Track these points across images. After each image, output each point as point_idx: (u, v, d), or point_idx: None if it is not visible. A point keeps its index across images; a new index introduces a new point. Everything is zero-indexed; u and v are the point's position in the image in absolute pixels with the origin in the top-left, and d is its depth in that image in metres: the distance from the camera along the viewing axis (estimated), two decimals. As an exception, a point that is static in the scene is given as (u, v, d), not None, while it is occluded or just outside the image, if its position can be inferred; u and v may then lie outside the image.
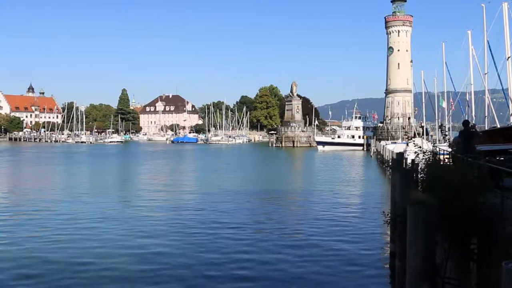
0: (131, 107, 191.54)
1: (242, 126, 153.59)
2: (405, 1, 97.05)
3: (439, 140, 40.35)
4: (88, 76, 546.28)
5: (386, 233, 15.52)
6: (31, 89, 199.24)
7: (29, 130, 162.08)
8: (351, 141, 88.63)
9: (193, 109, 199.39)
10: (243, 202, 24.43)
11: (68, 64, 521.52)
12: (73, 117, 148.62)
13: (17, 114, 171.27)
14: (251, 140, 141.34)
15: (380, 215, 14.34)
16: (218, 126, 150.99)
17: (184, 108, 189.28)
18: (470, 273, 7.57)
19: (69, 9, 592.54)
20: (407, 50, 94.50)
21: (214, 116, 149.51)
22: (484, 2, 31.17)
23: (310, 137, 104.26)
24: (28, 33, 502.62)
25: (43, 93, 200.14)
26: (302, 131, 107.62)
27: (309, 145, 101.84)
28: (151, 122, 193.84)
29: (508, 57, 26.03)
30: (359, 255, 14.22)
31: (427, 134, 60.67)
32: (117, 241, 15.91)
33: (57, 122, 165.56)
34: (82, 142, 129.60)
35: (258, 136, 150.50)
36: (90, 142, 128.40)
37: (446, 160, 12.04)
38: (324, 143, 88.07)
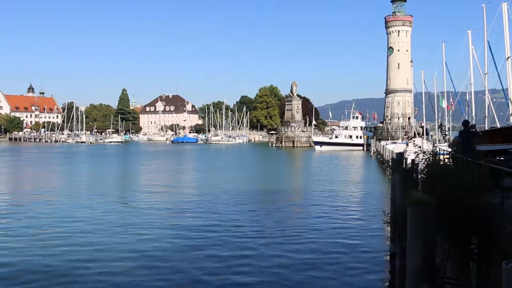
0: (131, 107, 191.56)
1: (242, 126, 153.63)
2: (405, 1, 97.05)
3: (439, 140, 40.35)
4: (88, 76, 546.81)
5: (386, 233, 15.51)
6: (31, 89, 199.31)
7: (29, 130, 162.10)
8: (348, 141, 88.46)
9: (193, 109, 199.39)
10: (243, 203, 24.42)
11: (68, 64, 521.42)
12: (73, 117, 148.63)
13: (17, 114, 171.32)
14: (251, 140, 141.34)
15: (380, 215, 14.36)
16: (218, 126, 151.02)
17: (184, 108, 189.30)
18: (470, 273, 7.57)
19: (69, 9, 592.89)
20: (407, 50, 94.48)
21: (214, 116, 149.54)
22: (484, 2, 31.20)
23: (310, 137, 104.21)
24: (28, 33, 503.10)
25: (43, 93, 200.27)
26: (302, 131, 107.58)
27: (309, 145, 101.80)
28: (151, 122, 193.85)
29: (508, 57, 26.04)
30: (359, 255, 14.22)
31: (427, 134, 60.67)
32: (116, 241, 15.90)
33: (57, 122, 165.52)
34: (82, 142, 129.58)
35: (258, 136, 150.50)
36: (90, 142, 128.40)
37: (446, 160, 12.04)
38: (321, 143, 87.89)
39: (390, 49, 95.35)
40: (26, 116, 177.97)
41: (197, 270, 12.73)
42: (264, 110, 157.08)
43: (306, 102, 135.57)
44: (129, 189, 31.47)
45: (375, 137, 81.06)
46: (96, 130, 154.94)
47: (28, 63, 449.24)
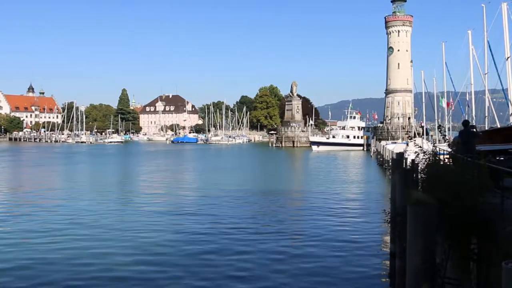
0: (131, 107, 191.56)
1: (242, 126, 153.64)
2: (405, 1, 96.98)
3: (439, 140, 40.33)
4: (88, 76, 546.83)
5: (386, 233, 15.51)
6: (31, 89, 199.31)
7: (29, 130, 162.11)
8: (346, 141, 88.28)
9: (193, 109, 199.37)
10: (242, 203, 24.42)
11: (68, 64, 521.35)
12: (73, 117, 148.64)
13: (17, 114, 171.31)
14: (251, 140, 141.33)
15: (380, 215, 14.36)
16: (218, 126, 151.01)
17: (184, 108, 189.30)
18: (470, 273, 7.57)
19: (69, 9, 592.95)
20: (407, 50, 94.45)
21: (214, 116, 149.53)
22: (484, 2, 31.21)
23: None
24: (28, 33, 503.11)
25: (43, 93, 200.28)
26: (302, 131, 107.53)
27: (309, 145, 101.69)
28: (151, 122, 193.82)
29: (508, 57, 26.03)
30: (359, 255, 14.22)
31: (427, 134, 60.66)
32: (116, 242, 15.90)
33: (57, 122, 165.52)
34: (82, 142, 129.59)
35: (258, 136, 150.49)
36: (90, 142, 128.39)
37: (446, 160, 12.03)
38: (318, 143, 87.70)
39: (390, 49, 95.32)
40: (26, 116, 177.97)
41: (197, 270, 12.72)
42: (264, 110, 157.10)
43: (306, 102, 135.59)
44: (129, 189, 31.46)
45: (375, 137, 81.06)
46: (96, 130, 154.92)
47: (28, 63, 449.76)
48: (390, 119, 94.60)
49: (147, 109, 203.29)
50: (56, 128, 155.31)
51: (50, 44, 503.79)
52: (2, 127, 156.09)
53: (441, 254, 7.62)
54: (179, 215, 20.95)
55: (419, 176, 11.40)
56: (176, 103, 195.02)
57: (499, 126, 26.59)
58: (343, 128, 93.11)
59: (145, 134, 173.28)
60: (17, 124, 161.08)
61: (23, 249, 14.81)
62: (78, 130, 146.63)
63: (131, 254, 14.28)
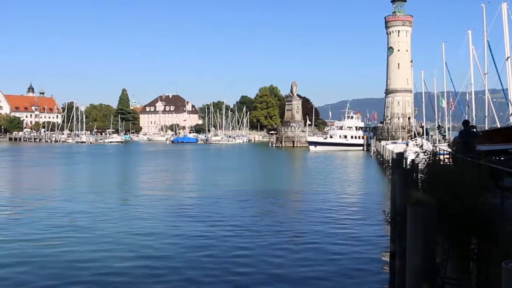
0: (131, 107, 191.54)
1: (242, 126, 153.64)
2: (405, 1, 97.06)
3: (439, 140, 40.33)
4: (88, 76, 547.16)
5: (386, 233, 15.51)
6: (31, 89, 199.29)
7: (29, 130, 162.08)
8: (343, 141, 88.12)
9: (193, 109, 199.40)
10: (242, 203, 24.41)
11: (68, 64, 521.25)
12: (73, 117, 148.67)
13: (17, 114, 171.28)
14: (251, 140, 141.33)
15: (380, 215, 14.35)
16: (218, 126, 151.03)
17: (184, 108, 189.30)
18: (470, 273, 7.57)
19: (69, 9, 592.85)
20: (407, 50, 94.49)
21: (214, 116, 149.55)
22: (484, 2, 31.21)
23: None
24: (28, 33, 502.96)
25: (43, 93, 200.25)
26: (302, 131, 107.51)
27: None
28: (151, 122, 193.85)
29: (508, 57, 26.04)
30: (359, 255, 14.22)
31: (427, 134, 60.68)
32: (116, 242, 15.89)
33: (57, 122, 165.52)
34: (82, 142, 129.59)
35: (258, 136, 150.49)
36: (90, 142, 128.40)
37: (446, 160, 12.03)
38: (316, 143, 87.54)
39: (390, 49, 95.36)
40: (26, 116, 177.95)
41: (196, 270, 12.72)
42: (264, 110, 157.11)
43: (306, 102, 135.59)
44: (129, 189, 31.46)
45: (375, 137, 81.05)
46: (96, 130, 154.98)
47: (28, 63, 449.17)
48: (390, 119, 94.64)
49: (147, 109, 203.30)
50: (56, 128, 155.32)
51: (50, 44, 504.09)
52: (2, 127, 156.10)
53: (441, 254, 7.62)
54: (179, 215, 20.94)
55: (419, 176, 11.40)
56: (176, 103, 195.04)
57: (499, 126, 26.59)
58: (341, 128, 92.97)
59: (145, 134, 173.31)
60: (17, 124, 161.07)
61: (23, 249, 14.79)
62: (78, 130, 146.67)
63: (131, 254, 14.27)
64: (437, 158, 10.24)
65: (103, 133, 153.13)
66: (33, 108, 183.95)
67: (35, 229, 17.76)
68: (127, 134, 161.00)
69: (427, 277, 6.39)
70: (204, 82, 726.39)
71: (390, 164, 23.46)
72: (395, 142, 59.00)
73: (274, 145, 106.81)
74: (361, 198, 26.85)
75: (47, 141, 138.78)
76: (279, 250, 14.76)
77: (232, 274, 12.46)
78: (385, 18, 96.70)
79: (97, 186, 31.76)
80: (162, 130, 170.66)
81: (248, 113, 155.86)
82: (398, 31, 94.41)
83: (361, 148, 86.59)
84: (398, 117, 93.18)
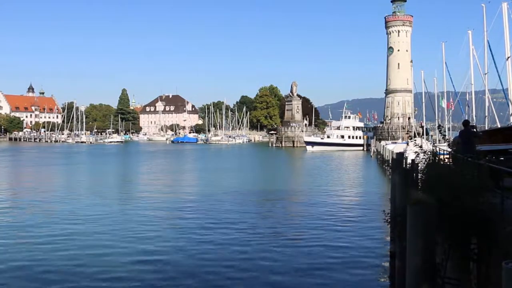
0: (131, 107, 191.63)
1: (242, 126, 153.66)
2: (405, 1, 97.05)
3: (439, 140, 40.32)
4: (88, 76, 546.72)
5: (386, 233, 15.51)
6: (31, 89, 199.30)
7: (29, 130, 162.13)
8: (340, 141, 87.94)
9: (193, 109, 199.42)
10: (242, 203, 24.42)
11: (68, 64, 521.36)
12: (73, 117, 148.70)
13: (17, 114, 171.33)
14: (251, 140, 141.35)
15: (380, 215, 14.35)
16: (218, 126, 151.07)
17: (184, 108, 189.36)
18: (470, 273, 7.57)
19: (69, 9, 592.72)
20: (407, 50, 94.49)
21: (214, 116, 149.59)
22: (484, 2, 31.19)
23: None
24: (28, 33, 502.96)
25: (43, 93, 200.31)
26: (302, 131, 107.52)
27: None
28: (151, 122, 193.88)
29: (508, 57, 26.04)
30: (359, 255, 14.21)
31: (427, 134, 60.67)
32: (115, 242, 15.89)
33: (57, 122, 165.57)
34: (82, 142, 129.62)
35: (258, 136, 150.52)
36: (90, 142, 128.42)
37: (446, 160, 12.03)
38: (313, 143, 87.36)
39: (390, 49, 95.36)
40: (26, 116, 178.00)
41: (196, 270, 12.72)
42: (264, 110, 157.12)
43: (306, 102, 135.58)
44: (129, 189, 31.48)
45: (375, 137, 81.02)
46: (96, 130, 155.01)
47: (28, 63, 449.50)
48: (390, 119, 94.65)
49: (147, 109, 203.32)
50: (56, 128, 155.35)
51: (50, 44, 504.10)
52: (2, 127, 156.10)
53: (441, 254, 7.62)
54: (179, 215, 20.95)
55: (419, 176, 11.40)
56: (176, 103, 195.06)
57: (499, 126, 26.58)
58: (338, 128, 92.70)
59: (145, 134, 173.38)
60: (17, 124, 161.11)
61: (22, 249, 14.79)
62: (78, 130, 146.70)
63: (130, 255, 14.26)
64: (437, 158, 10.23)
65: (103, 133, 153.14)
66: (33, 108, 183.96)
67: (35, 229, 17.75)
68: (127, 134, 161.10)
69: (427, 277, 6.39)
70: (204, 82, 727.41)
71: (390, 164, 23.46)
72: (395, 142, 58.97)
73: (274, 145, 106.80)
74: (361, 198, 26.83)
75: (47, 141, 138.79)
76: (279, 250, 14.75)
77: (231, 274, 12.44)
78: (385, 18, 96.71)
79: (97, 186, 31.76)
80: (162, 130, 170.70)
81: (248, 113, 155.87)
82: (398, 31, 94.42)
83: (360, 148, 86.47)
84: (398, 117, 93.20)
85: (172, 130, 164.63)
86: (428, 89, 56.32)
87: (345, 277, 12.25)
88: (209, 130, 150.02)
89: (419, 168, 12.18)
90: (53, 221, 19.21)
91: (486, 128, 27.59)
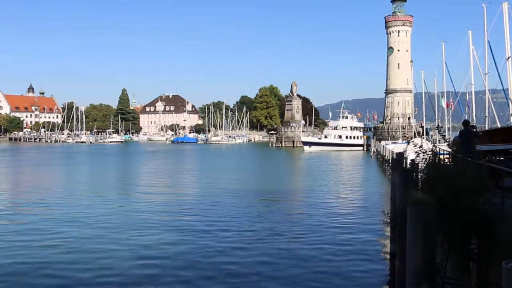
0: (131, 107, 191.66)
1: (242, 126, 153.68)
2: (405, 1, 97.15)
3: (439, 140, 40.32)
4: (88, 76, 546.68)
5: (386, 233, 15.51)
6: (31, 89, 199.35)
7: (29, 130, 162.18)
8: (337, 141, 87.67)
9: (193, 109, 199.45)
10: (242, 203, 24.41)
11: (68, 64, 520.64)
12: (73, 117, 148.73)
13: (17, 114, 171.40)
14: (251, 140, 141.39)
15: (380, 215, 14.36)
16: (218, 126, 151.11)
17: (184, 108, 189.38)
18: (470, 273, 7.57)
19: (69, 9, 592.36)
20: (407, 50, 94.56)
21: (214, 116, 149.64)
22: (485, 2, 31.15)
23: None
24: (28, 33, 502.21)
25: (43, 93, 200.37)
26: (302, 131, 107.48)
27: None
28: (151, 122, 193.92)
29: (508, 57, 26.01)
30: (359, 255, 14.21)
31: (427, 134, 60.67)
32: (115, 243, 15.89)
33: (57, 122, 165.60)
34: (82, 142, 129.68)
35: (258, 136, 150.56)
36: (90, 142, 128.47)
37: (446, 160, 12.03)
38: (310, 144, 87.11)
39: (390, 49, 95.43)
40: (26, 116, 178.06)
41: (196, 270, 12.72)
42: (264, 110, 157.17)
43: (306, 102, 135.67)
44: (129, 189, 31.48)
45: (375, 137, 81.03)
46: (96, 130, 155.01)
47: (28, 63, 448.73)
48: (390, 119, 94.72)
49: (147, 109, 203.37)
50: (56, 128, 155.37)
51: (50, 44, 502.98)
52: (2, 127, 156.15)
53: (441, 254, 7.62)
54: (179, 216, 20.94)
55: (419, 176, 11.40)
56: (176, 103, 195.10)
57: (499, 126, 26.57)
58: (335, 128, 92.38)
59: (145, 134, 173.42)
60: (17, 124, 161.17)
61: (22, 249, 14.79)
62: (78, 130, 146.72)
63: (130, 255, 14.26)
64: (437, 158, 10.24)
65: (103, 133, 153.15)
66: (33, 108, 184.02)
67: (35, 229, 17.74)
68: (127, 134, 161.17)
69: (427, 277, 6.39)
70: (204, 82, 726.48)
71: (390, 164, 23.46)
72: (395, 142, 58.97)
73: (274, 145, 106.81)
74: (361, 198, 26.83)
75: (47, 141, 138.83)
76: (278, 250, 14.74)
77: (231, 274, 12.45)
78: (385, 18, 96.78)
79: (97, 187, 31.76)
80: (162, 130, 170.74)
81: (248, 113, 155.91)
82: (398, 31, 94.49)
83: (358, 148, 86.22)
84: (398, 117, 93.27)
85: (172, 130, 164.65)
86: (428, 89, 56.35)
87: (345, 277, 12.25)
88: (209, 130, 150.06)
89: (419, 168, 12.18)
90: (53, 221, 19.20)
91: (486, 128, 27.58)
